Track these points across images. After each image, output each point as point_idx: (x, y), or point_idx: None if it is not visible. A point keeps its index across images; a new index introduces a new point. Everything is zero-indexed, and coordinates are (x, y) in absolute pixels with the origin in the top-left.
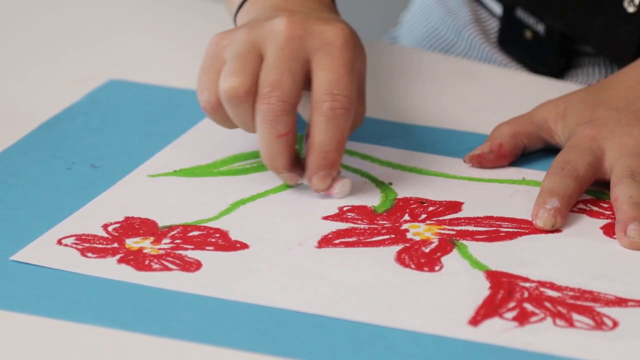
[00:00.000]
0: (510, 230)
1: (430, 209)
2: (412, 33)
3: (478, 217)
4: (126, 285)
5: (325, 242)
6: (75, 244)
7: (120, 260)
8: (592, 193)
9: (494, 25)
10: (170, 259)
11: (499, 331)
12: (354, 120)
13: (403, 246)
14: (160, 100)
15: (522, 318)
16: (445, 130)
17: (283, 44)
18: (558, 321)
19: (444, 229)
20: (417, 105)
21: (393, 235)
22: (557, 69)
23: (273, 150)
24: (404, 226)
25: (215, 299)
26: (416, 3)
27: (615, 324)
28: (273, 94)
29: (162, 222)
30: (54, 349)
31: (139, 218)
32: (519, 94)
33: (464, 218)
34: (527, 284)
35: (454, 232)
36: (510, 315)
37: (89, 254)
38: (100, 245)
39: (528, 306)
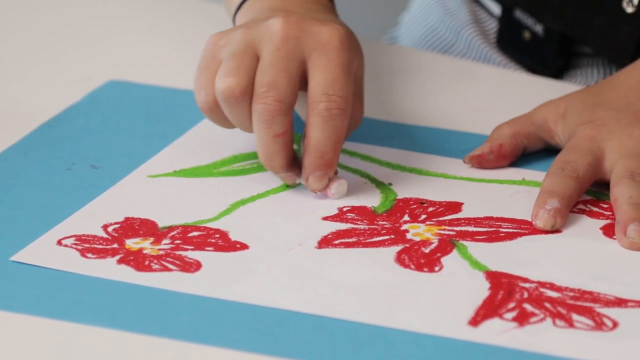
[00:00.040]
0: (510, 230)
1: (430, 209)
2: (411, 33)
3: (478, 218)
4: (126, 285)
5: (325, 242)
6: (75, 244)
7: (120, 261)
8: (592, 193)
9: (492, 25)
10: (170, 260)
11: (499, 332)
12: (351, 121)
13: (403, 247)
14: (160, 101)
15: (522, 318)
16: (444, 130)
17: (279, 44)
18: (558, 322)
19: (443, 230)
20: (416, 105)
21: (393, 236)
22: (555, 70)
23: (270, 150)
24: (404, 227)
25: (215, 299)
26: (415, 3)
27: (615, 324)
28: (269, 94)
29: (162, 223)
30: (54, 349)
31: (139, 218)
32: (518, 95)
33: (463, 218)
34: (527, 285)
35: (454, 233)
36: (510, 315)
37: (89, 255)
38: (100, 246)
39: (528, 307)
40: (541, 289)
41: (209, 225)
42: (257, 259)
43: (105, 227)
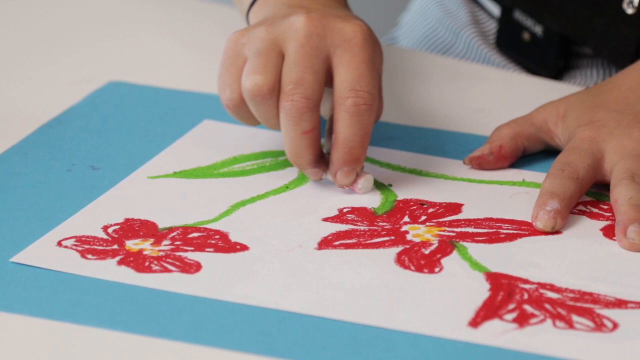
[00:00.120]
0: (510, 231)
1: (430, 210)
2: (411, 34)
3: (478, 219)
4: (126, 286)
5: (325, 243)
6: (75, 245)
7: (120, 262)
8: (592, 195)
9: (492, 26)
10: (170, 261)
11: (499, 333)
12: None
13: (403, 248)
14: (160, 102)
15: (522, 320)
16: (444, 131)
17: (303, 41)
18: (558, 323)
19: (443, 231)
20: (416, 106)
21: (393, 237)
22: (555, 71)
23: (298, 147)
24: (404, 228)
25: (215, 300)
26: (415, 4)
27: (615, 325)
28: (296, 90)
29: (162, 224)
30: (54, 350)
31: (139, 220)
32: (518, 96)
33: (463, 220)
34: (527, 286)
35: (454, 234)
36: (510, 316)
37: (89, 256)
38: (100, 247)
39: (528, 308)
40: (541, 290)
41: (209, 226)
42: (257, 260)
43: (105, 228)
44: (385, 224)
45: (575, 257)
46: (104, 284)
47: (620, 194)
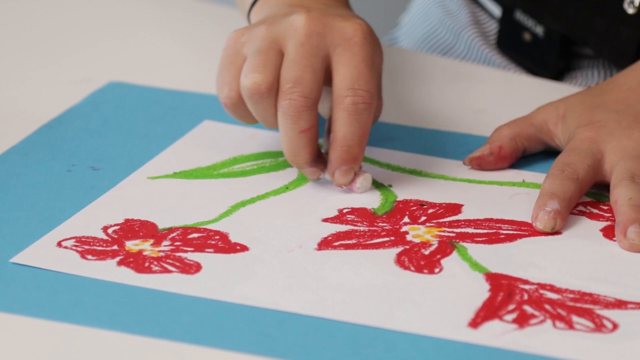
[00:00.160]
0: (510, 232)
1: (430, 211)
2: (411, 34)
3: (478, 220)
4: (126, 287)
5: (325, 244)
6: (75, 246)
7: (120, 263)
8: (591, 195)
9: (493, 27)
10: (170, 261)
11: (499, 333)
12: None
13: (403, 248)
14: (160, 103)
15: (522, 320)
16: (444, 132)
17: (303, 40)
18: (558, 323)
19: (443, 231)
20: (416, 107)
21: (393, 238)
22: (556, 71)
23: (295, 145)
24: (404, 228)
25: (215, 301)
26: (415, 5)
27: (615, 326)
28: (295, 89)
29: (162, 225)
30: (54, 351)
31: (139, 220)
32: (518, 96)
33: (463, 220)
34: (526, 286)
35: (454, 235)
36: (510, 317)
37: (89, 256)
38: (100, 248)
39: (528, 308)
40: (541, 291)
41: (209, 226)
42: (257, 261)
43: (105, 228)
44: (385, 224)
45: (575, 257)
46: (104, 285)
47: (620, 195)
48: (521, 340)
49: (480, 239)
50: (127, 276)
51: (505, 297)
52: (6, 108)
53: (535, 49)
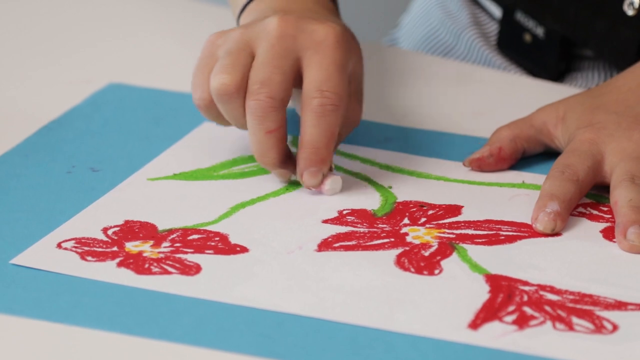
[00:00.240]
0: (510, 233)
1: (430, 212)
2: (411, 35)
3: (478, 221)
4: (126, 288)
5: (325, 245)
6: (75, 247)
7: (120, 264)
8: (591, 197)
9: (493, 28)
10: (170, 263)
11: (499, 335)
12: (350, 121)
13: (403, 250)
14: (160, 104)
15: (522, 322)
16: (444, 133)
17: (274, 42)
18: (558, 325)
19: (443, 233)
20: (416, 108)
21: (393, 239)
22: (556, 73)
23: (263, 146)
24: (404, 230)
25: (215, 302)
26: (416, 5)
27: (615, 327)
28: (262, 90)
29: (161, 226)
30: (54, 352)
31: (139, 221)
32: (519, 98)
33: (463, 221)
34: (526, 288)
35: (454, 236)
36: (510, 318)
37: (89, 258)
38: (100, 249)
39: (528, 310)
40: (541, 292)
41: (208, 228)
42: (257, 262)
43: (105, 230)
44: (385, 225)
45: (575, 259)
46: (103, 286)
47: (620, 196)
48: (521, 341)
49: (480, 240)
50: (127, 277)
51: (505, 298)
52: (6, 108)
53: (535, 50)
